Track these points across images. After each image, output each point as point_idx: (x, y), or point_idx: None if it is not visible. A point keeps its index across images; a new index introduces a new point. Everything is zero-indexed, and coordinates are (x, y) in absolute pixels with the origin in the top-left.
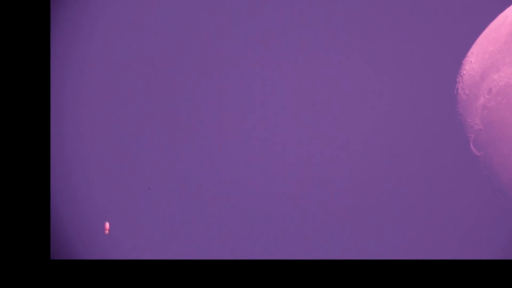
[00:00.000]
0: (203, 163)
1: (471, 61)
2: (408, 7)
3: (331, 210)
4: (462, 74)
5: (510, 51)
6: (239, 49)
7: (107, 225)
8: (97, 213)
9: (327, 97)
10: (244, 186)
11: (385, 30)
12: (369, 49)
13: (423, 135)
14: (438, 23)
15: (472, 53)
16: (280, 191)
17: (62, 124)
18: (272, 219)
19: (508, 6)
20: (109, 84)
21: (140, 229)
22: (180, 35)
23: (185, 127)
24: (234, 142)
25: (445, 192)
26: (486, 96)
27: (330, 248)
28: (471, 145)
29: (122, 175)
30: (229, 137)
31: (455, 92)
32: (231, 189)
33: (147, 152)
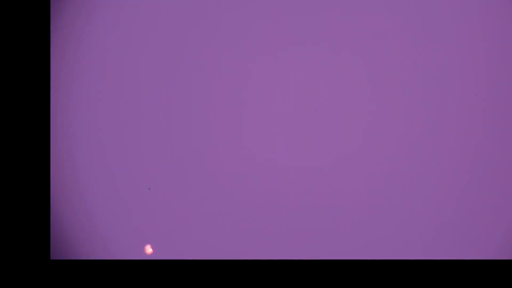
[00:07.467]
0: (203, 162)
1: None
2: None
3: (331, 210)
4: None
5: None
6: (237, 48)
7: (148, 248)
8: (97, 213)
9: (329, 96)
10: (244, 186)
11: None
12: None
13: (422, 134)
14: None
15: None
16: (280, 191)
17: (62, 124)
18: (273, 219)
19: None
20: (109, 84)
21: (140, 229)
22: (181, 35)
23: (185, 127)
24: (233, 141)
25: (447, 190)
26: None
27: (333, 248)
28: None
29: (123, 174)
30: (228, 136)
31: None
32: (231, 189)
33: (147, 152)
